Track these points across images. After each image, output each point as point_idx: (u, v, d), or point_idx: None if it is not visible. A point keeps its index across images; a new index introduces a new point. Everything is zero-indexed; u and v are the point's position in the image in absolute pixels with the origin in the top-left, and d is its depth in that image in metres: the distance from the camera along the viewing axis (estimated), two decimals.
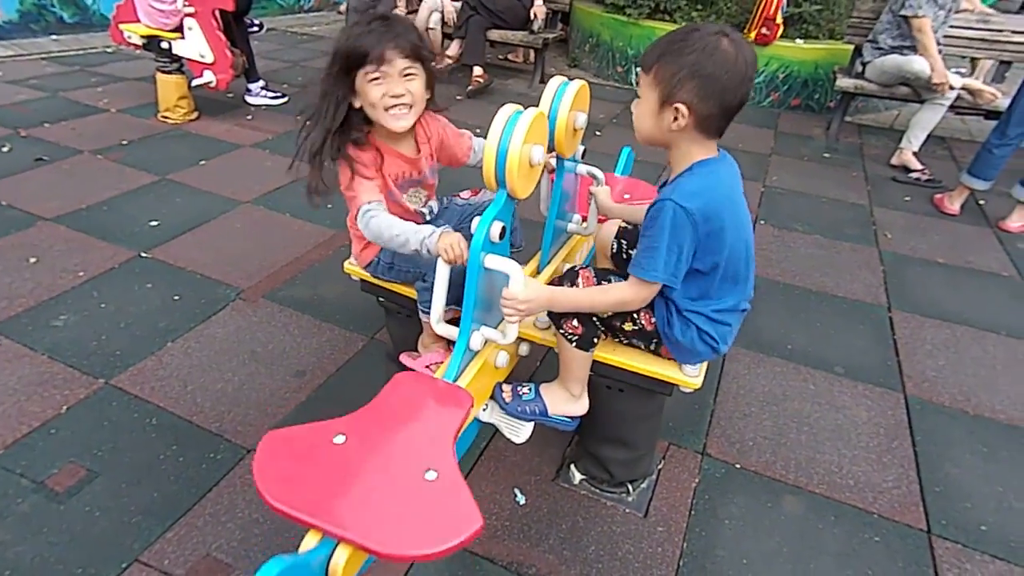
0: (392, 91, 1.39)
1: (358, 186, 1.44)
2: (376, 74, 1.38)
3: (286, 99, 4.39)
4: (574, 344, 1.38)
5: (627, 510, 1.59)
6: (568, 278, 1.39)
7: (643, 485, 1.66)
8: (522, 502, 1.59)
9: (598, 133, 4.26)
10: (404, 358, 1.74)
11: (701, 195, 1.21)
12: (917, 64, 3.74)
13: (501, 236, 1.30)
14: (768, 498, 1.66)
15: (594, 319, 1.38)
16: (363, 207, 1.42)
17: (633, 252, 1.58)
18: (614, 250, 1.64)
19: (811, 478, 1.72)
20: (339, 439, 1.11)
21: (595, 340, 1.40)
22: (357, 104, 1.44)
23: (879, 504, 1.66)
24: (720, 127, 1.23)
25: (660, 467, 1.73)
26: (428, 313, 1.54)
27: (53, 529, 1.43)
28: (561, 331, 1.39)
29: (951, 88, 3.73)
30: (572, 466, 1.68)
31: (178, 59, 3.68)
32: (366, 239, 1.60)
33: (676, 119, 1.20)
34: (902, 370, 2.17)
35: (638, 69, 5.82)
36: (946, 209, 3.44)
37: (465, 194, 1.80)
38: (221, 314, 2.19)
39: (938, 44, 3.76)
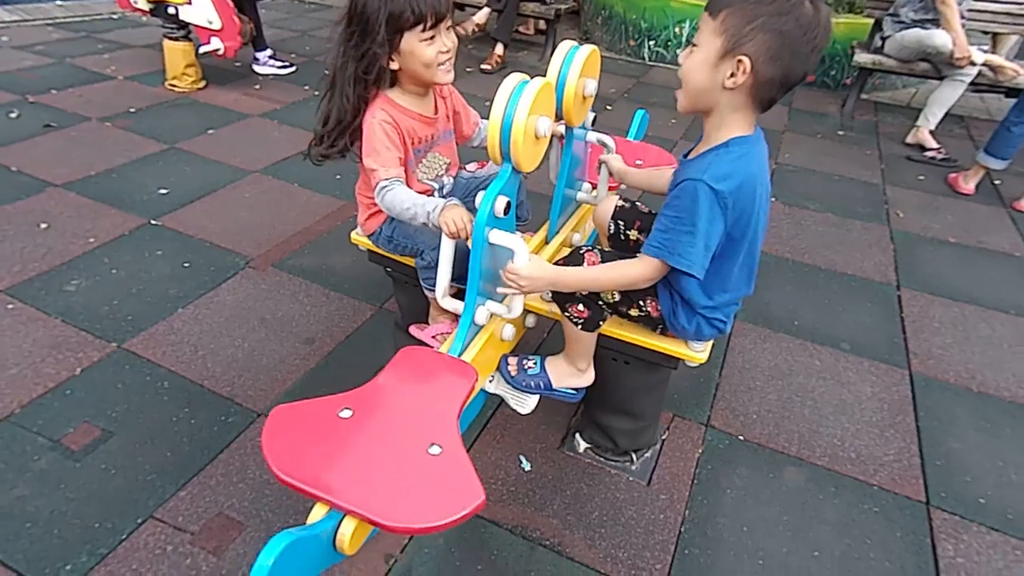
0: (444, 47, 1.40)
1: (379, 158, 1.43)
2: (432, 33, 1.37)
3: (294, 68, 4.35)
4: (579, 327, 1.38)
5: (631, 478, 1.62)
6: (573, 260, 1.37)
7: (647, 454, 1.68)
8: (527, 469, 1.62)
9: (609, 108, 4.21)
10: (413, 330, 1.75)
11: (734, 177, 1.12)
12: (939, 38, 3.65)
13: (506, 211, 1.29)
14: (770, 469, 1.68)
15: (600, 303, 1.36)
16: (381, 182, 1.42)
17: (631, 233, 1.55)
18: (611, 231, 1.58)
19: (813, 451, 1.74)
20: (345, 413, 1.13)
21: (600, 323, 1.39)
22: (395, 66, 1.42)
23: (879, 476, 1.67)
24: (774, 99, 1.13)
25: (664, 437, 1.75)
26: (431, 289, 1.55)
27: (70, 485, 1.47)
28: (566, 314, 1.38)
29: (972, 64, 3.66)
30: (577, 435, 1.70)
31: (185, 25, 3.64)
32: (372, 208, 1.61)
33: (734, 75, 1.08)
34: (908, 347, 2.17)
35: (651, 42, 5.64)
36: (960, 188, 3.40)
37: (471, 166, 1.79)
38: (230, 282, 2.21)
39: (961, 18, 3.66)
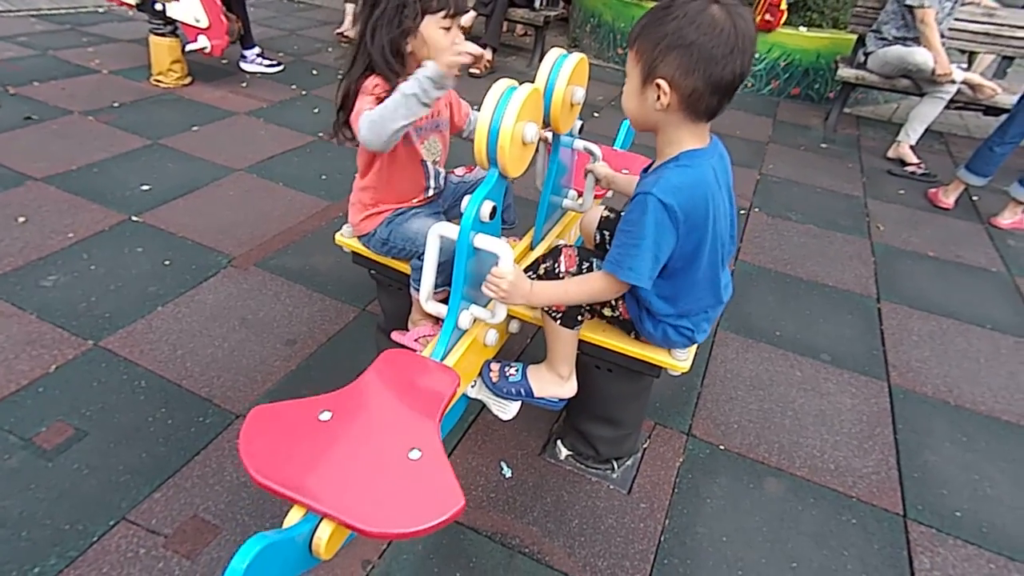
0: (457, 38, 1.45)
1: (364, 103, 1.41)
2: (450, 23, 1.43)
3: (281, 67, 4.32)
4: (559, 322, 1.38)
5: (611, 486, 1.62)
6: (551, 256, 1.38)
7: (628, 463, 1.68)
8: (508, 475, 1.61)
9: (596, 115, 4.24)
10: (395, 336, 1.74)
11: (684, 190, 1.13)
12: (920, 56, 3.73)
13: (491, 216, 1.29)
14: (750, 479, 1.68)
15: None
16: (364, 113, 1.37)
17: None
18: (597, 240, 1.61)
19: (793, 461, 1.75)
20: (325, 415, 1.12)
21: (579, 318, 1.40)
22: (408, 48, 1.44)
23: (858, 488, 1.69)
24: (711, 107, 1.12)
25: (645, 446, 1.75)
26: (419, 291, 1.54)
27: (41, 485, 1.44)
28: (545, 308, 1.39)
29: (953, 82, 3.73)
30: (559, 442, 1.70)
31: (172, 22, 3.60)
32: (368, 210, 1.60)
33: (659, 97, 1.11)
34: (887, 360, 2.20)
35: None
36: (940, 203, 3.46)
37: (459, 171, 1.79)
38: (212, 280, 2.18)
39: (942, 36, 3.74)
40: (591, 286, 1.29)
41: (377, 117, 1.34)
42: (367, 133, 1.37)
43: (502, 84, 1.23)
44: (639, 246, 1.16)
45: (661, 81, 1.10)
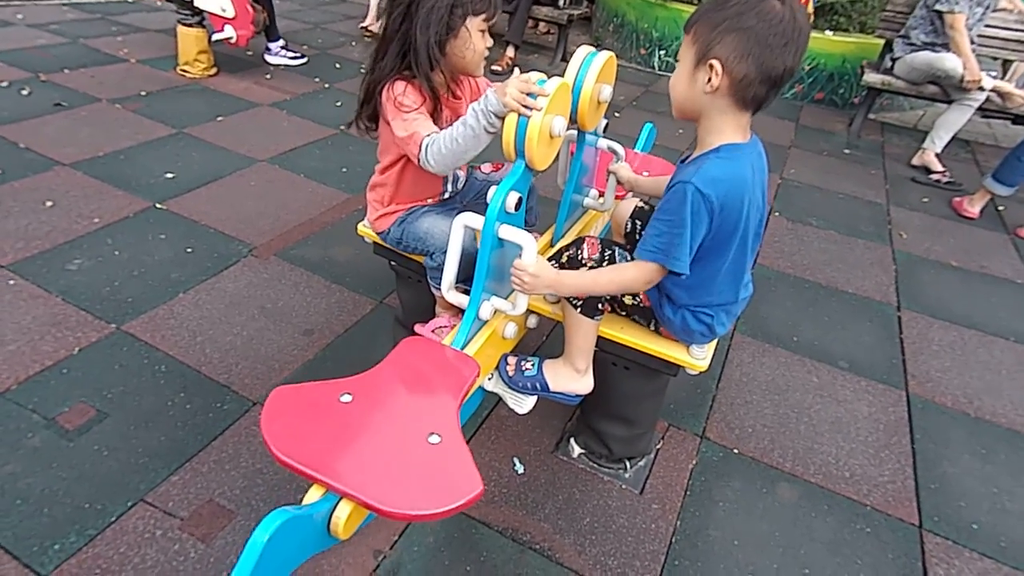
0: (489, 43, 1.48)
1: (413, 123, 1.40)
2: (486, 27, 1.45)
3: (305, 60, 4.36)
4: (579, 310, 1.38)
5: (623, 486, 1.61)
6: (574, 244, 1.39)
7: (641, 463, 1.68)
8: (520, 471, 1.62)
9: (617, 115, 4.22)
10: (417, 327, 1.74)
11: (723, 182, 1.14)
12: (949, 62, 3.66)
13: (517, 207, 1.30)
14: (763, 484, 1.67)
15: None
16: (424, 141, 1.37)
17: None
18: (628, 229, 1.62)
19: (808, 467, 1.74)
20: (346, 398, 1.13)
21: (599, 307, 1.40)
22: (447, 46, 1.43)
23: (873, 497, 1.67)
24: (758, 96, 1.13)
25: (659, 447, 1.74)
26: (439, 288, 1.54)
27: (62, 464, 1.47)
28: (566, 297, 1.39)
29: (982, 89, 3.66)
30: (572, 440, 1.70)
31: (199, 12, 3.64)
32: (381, 209, 1.61)
33: (710, 79, 1.12)
34: (906, 368, 2.17)
35: (661, 52, 5.70)
36: (964, 212, 3.40)
37: (486, 167, 1.79)
38: (232, 269, 2.21)
39: (972, 43, 3.67)
40: (624, 275, 1.28)
41: (447, 152, 1.34)
42: (436, 164, 1.37)
43: (532, 76, 1.24)
44: (682, 235, 1.16)
45: (714, 61, 1.11)
